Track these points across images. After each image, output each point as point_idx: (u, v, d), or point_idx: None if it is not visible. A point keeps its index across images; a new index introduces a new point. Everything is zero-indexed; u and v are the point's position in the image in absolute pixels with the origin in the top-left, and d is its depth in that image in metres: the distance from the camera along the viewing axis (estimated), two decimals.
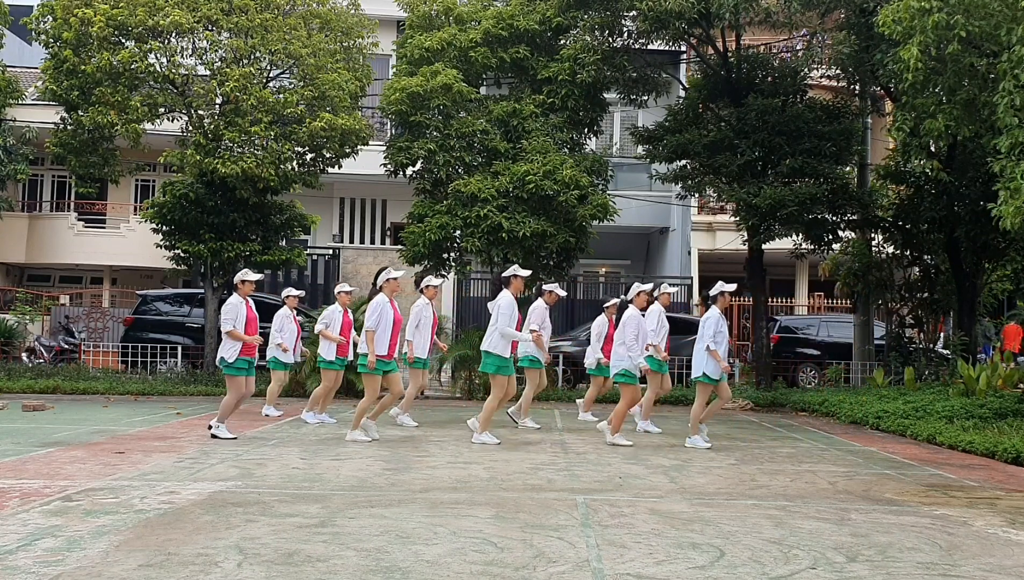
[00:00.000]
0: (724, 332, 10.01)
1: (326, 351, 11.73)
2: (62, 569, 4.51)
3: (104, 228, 26.14)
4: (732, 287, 10.28)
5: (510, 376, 10.13)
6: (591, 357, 12.21)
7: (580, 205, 16.46)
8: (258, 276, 10.54)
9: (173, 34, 16.55)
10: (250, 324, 9.91)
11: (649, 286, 10.94)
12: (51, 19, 16.85)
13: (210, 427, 9.99)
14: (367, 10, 18.90)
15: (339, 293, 12.19)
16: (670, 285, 12.60)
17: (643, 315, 10.38)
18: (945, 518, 6.32)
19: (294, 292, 12.80)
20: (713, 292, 10.24)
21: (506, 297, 9.98)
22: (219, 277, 17.89)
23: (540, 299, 11.48)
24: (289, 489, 6.92)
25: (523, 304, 11.40)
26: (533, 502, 6.54)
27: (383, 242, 26.90)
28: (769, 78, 17.43)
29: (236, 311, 9.85)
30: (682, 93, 19.49)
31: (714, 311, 10.10)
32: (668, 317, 12.01)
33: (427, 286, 11.29)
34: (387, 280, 10.00)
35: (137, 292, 21.07)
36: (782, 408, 15.51)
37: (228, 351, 9.84)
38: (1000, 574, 4.86)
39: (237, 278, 10.20)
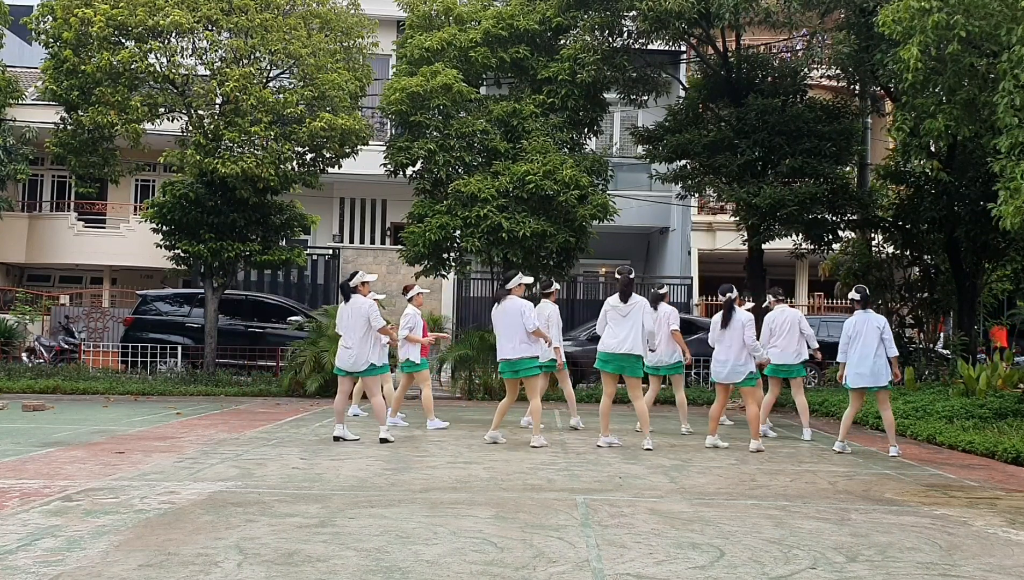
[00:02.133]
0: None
1: (413, 354, 11.76)
2: (62, 569, 4.51)
3: (104, 228, 26.14)
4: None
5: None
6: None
7: (580, 205, 16.45)
8: (372, 277, 10.72)
9: (173, 34, 16.54)
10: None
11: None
12: (51, 19, 16.83)
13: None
14: (367, 10, 18.89)
15: (417, 294, 12.05)
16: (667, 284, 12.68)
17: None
18: (945, 518, 6.32)
19: (379, 296, 12.50)
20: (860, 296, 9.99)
21: (643, 300, 10.00)
22: (219, 277, 17.88)
23: (663, 303, 11.66)
24: (289, 489, 6.92)
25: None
26: (533, 502, 6.54)
27: (383, 242, 26.92)
28: (769, 78, 17.42)
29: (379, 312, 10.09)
30: (682, 93, 19.49)
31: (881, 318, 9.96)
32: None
33: (553, 291, 11.45)
34: (519, 284, 10.11)
35: (137, 292, 21.07)
36: (782, 408, 15.49)
37: (381, 355, 10.04)
38: (1000, 574, 4.86)
39: (357, 281, 10.26)
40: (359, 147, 17.87)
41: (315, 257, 23.92)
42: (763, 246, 17.48)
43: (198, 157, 16.35)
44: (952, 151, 15.36)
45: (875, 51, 13.89)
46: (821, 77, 18.30)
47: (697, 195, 19.77)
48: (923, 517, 6.34)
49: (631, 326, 9.67)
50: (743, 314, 9.94)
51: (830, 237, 17.21)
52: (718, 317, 10.10)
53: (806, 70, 17.26)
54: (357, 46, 18.24)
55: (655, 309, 11.32)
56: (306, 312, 18.78)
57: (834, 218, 17.03)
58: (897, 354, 9.84)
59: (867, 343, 9.72)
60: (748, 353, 9.85)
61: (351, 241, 26.77)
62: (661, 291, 11.92)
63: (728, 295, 10.11)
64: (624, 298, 9.74)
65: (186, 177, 17.34)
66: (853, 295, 10.12)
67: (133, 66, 16.26)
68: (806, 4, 14.81)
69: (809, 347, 11.31)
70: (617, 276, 10.01)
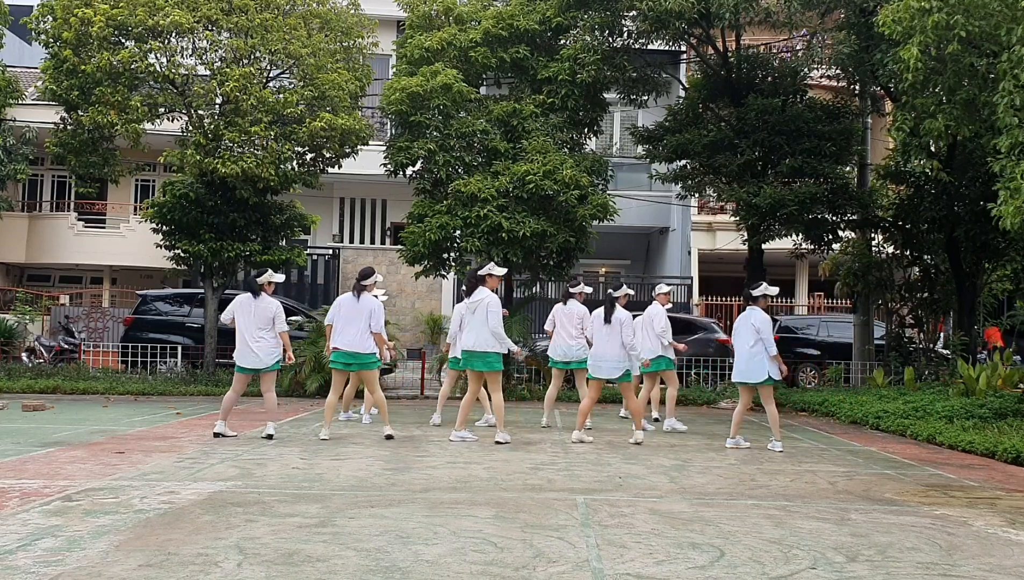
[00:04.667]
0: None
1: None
2: (62, 569, 4.51)
3: (104, 228, 26.16)
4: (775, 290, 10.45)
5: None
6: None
7: (580, 205, 16.45)
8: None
9: (173, 34, 16.54)
10: None
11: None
12: (51, 19, 16.83)
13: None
14: (367, 10, 18.90)
15: (658, 294, 12.11)
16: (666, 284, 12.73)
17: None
18: (945, 518, 6.32)
19: (382, 296, 12.23)
20: (756, 293, 10.14)
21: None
22: (219, 277, 17.88)
23: (573, 301, 11.67)
24: (289, 489, 6.92)
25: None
26: (533, 502, 6.54)
27: (383, 242, 26.93)
28: (769, 78, 17.42)
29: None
30: (682, 93, 19.49)
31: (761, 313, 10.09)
32: (669, 316, 12.12)
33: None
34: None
35: (137, 292, 21.07)
36: (782, 408, 15.46)
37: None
38: (1000, 574, 4.86)
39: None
40: (359, 147, 17.88)
41: (315, 257, 23.93)
42: (763, 246, 17.49)
43: (198, 157, 16.35)
44: (952, 151, 15.36)
45: (875, 51, 13.89)
46: (821, 77, 18.30)
47: (697, 195, 19.79)
48: (923, 517, 6.34)
49: (481, 322, 9.94)
50: (623, 313, 10.10)
51: (830, 237, 17.21)
52: (599, 312, 10.28)
53: (806, 70, 17.25)
54: (357, 46, 18.24)
55: (564, 304, 11.59)
56: (306, 312, 18.78)
57: (834, 218, 17.04)
58: (775, 353, 9.84)
59: (743, 339, 9.95)
60: (627, 351, 10.02)
61: (351, 241, 26.78)
62: (573, 289, 11.80)
63: (611, 293, 10.56)
64: (470, 293, 10.11)
65: (186, 177, 17.33)
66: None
67: (133, 66, 16.26)
68: (806, 4, 14.81)
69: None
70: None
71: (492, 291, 10.04)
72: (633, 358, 10.17)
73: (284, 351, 10.24)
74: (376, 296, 11.46)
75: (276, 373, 10.33)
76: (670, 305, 12.21)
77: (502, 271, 10.28)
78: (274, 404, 10.34)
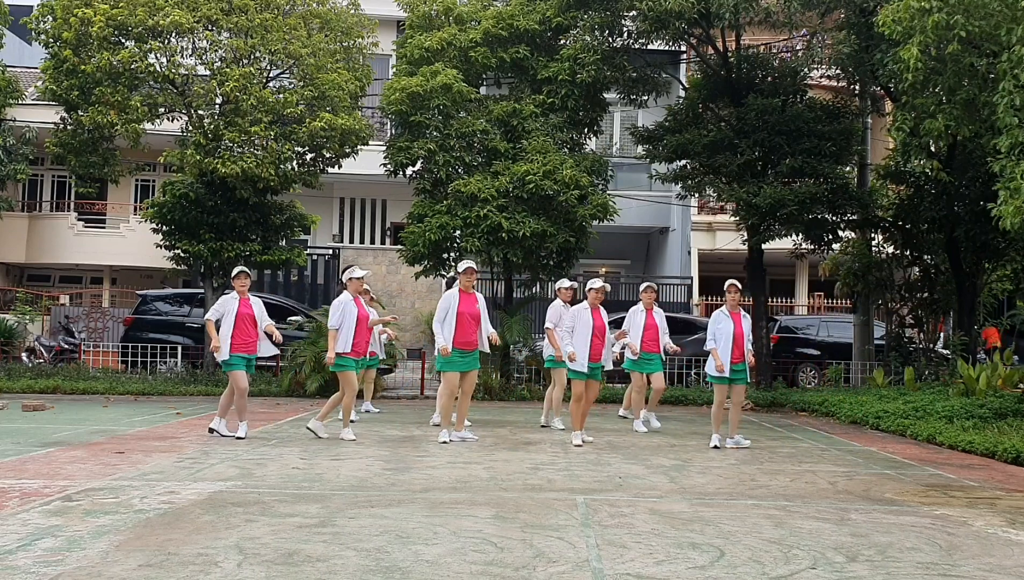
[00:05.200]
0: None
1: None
2: (62, 569, 4.51)
3: (104, 228, 26.17)
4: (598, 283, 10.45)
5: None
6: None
7: (580, 205, 16.46)
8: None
9: (173, 34, 16.54)
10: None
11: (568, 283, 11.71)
12: (51, 19, 16.83)
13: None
14: (367, 10, 18.90)
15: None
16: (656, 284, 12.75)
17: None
18: (945, 518, 6.32)
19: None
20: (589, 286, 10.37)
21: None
22: (219, 277, 17.89)
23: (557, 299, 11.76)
24: (289, 489, 6.92)
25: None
26: (533, 502, 6.54)
27: (383, 242, 26.94)
28: (769, 78, 17.41)
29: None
30: (682, 93, 19.49)
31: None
32: (668, 317, 12.11)
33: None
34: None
35: (137, 292, 21.07)
36: (782, 408, 15.51)
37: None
38: (1000, 574, 4.86)
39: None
40: (359, 147, 17.88)
41: (315, 257, 23.93)
42: (763, 246, 17.48)
43: (198, 157, 16.35)
44: (952, 151, 15.36)
45: (875, 51, 13.89)
46: (821, 77, 18.29)
47: (697, 195, 19.78)
48: (923, 517, 6.34)
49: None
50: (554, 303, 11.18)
51: (830, 237, 17.21)
52: (575, 308, 10.60)
53: (806, 70, 17.24)
54: (357, 46, 18.25)
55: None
56: (306, 312, 18.78)
57: (834, 218, 17.03)
58: (708, 348, 10.11)
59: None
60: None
61: (351, 241, 26.79)
62: (557, 286, 11.92)
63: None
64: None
65: (186, 177, 17.34)
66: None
67: (133, 66, 16.26)
68: (806, 4, 14.82)
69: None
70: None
71: (465, 288, 10.07)
72: (560, 348, 10.35)
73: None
74: (369, 290, 11.71)
75: (235, 373, 9.94)
76: (655, 304, 11.97)
77: (465, 265, 10.17)
78: (238, 403, 10.12)
